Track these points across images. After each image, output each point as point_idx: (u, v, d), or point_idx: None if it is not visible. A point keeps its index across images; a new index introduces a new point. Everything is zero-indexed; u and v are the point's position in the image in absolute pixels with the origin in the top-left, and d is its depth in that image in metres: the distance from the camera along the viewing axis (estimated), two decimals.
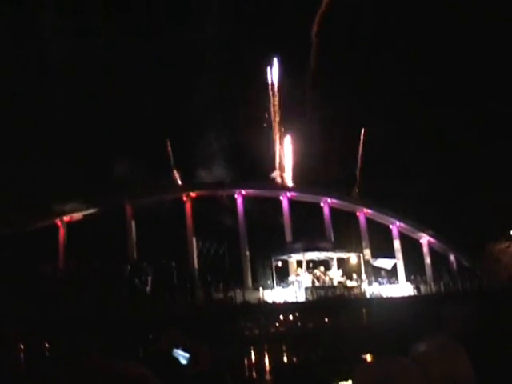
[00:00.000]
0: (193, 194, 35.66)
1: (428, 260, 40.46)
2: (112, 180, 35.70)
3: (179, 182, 38.97)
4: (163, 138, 39.92)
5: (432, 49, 44.26)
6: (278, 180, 41.99)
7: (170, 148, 39.69)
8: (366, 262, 36.45)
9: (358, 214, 39.44)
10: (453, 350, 2.09)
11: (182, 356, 3.40)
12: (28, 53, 36.68)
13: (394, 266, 38.63)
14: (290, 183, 42.04)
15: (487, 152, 41.94)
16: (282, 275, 34.48)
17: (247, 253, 35.39)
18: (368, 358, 23.45)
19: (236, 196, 36.46)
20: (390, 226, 40.19)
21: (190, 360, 3.38)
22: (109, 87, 36.50)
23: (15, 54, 35.45)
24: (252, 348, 29.83)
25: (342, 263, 35.90)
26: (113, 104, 37.42)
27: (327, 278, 33.58)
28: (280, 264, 35.49)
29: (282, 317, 31.52)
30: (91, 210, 34.28)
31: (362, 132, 43.99)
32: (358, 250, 36.68)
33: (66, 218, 34.05)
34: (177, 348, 3.39)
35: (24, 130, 34.25)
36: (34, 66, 37.04)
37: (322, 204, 38.47)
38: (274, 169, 42.47)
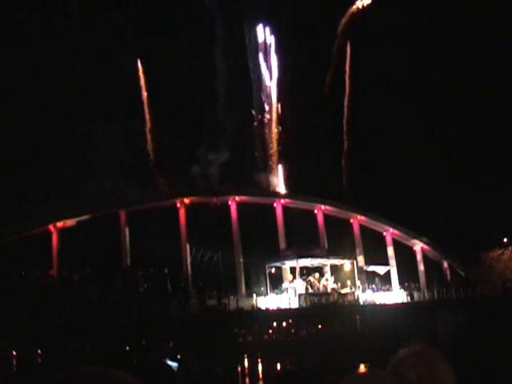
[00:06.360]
0: (186, 201, 35.59)
1: (421, 267, 40.46)
2: (106, 186, 35.65)
3: (170, 189, 38.90)
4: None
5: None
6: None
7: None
8: (360, 269, 36.45)
9: (351, 221, 39.44)
10: (430, 355, 2.11)
11: (171, 366, 3.41)
12: None
13: (388, 273, 38.65)
14: (283, 186, 42.17)
15: (482, 159, 42.08)
16: (276, 282, 34.42)
17: (241, 259, 35.32)
18: (361, 366, 23.42)
19: (230, 203, 36.43)
20: (384, 233, 40.21)
21: (179, 369, 3.38)
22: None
23: None
24: (245, 355, 29.78)
25: (335, 270, 35.89)
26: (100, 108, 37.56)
27: (321, 285, 33.55)
28: (274, 271, 35.45)
29: (275, 324, 31.48)
30: (85, 217, 34.12)
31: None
32: (352, 256, 36.65)
33: (59, 225, 33.87)
34: (165, 359, 3.39)
35: (17, 137, 34.09)
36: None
37: (315, 211, 38.48)
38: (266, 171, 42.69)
